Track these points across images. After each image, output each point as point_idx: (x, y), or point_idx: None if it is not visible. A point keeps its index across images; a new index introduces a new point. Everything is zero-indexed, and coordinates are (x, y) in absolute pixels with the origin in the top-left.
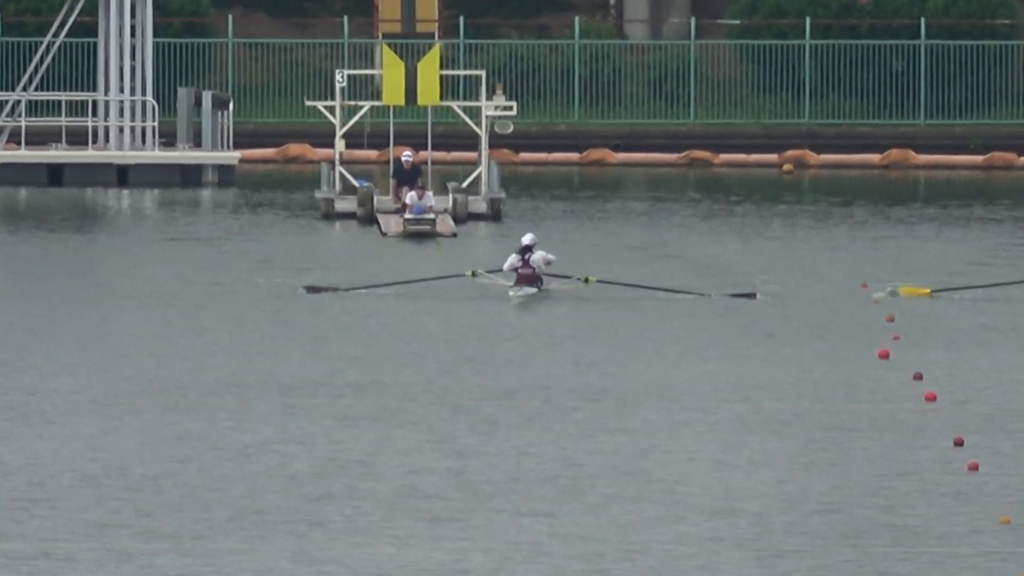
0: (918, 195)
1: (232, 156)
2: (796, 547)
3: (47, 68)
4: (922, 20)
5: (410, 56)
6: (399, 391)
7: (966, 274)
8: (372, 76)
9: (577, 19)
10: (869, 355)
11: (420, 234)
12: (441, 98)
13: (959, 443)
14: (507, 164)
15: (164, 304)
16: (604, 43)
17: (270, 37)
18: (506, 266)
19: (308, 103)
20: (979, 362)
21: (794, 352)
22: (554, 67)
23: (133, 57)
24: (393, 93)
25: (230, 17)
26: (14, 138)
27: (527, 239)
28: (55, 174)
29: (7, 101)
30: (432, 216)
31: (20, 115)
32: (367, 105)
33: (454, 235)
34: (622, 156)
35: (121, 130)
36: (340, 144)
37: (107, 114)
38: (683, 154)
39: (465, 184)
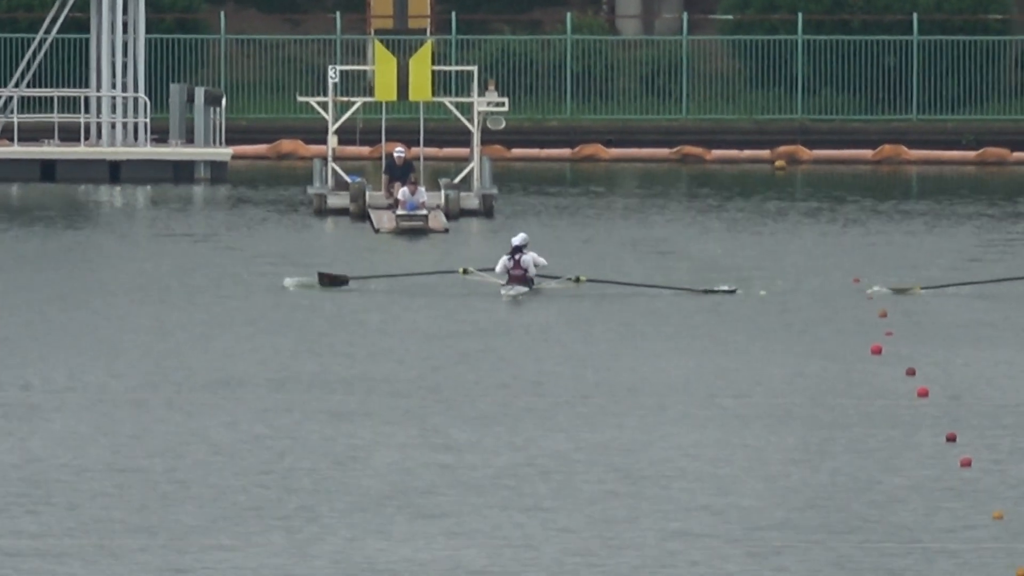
0: (910, 191)
1: (224, 152)
2: (788, 542)
3: (39, 64)
4: (914, 15)
5: (402, 52)
6: (391, 387)
7: (959, 269)
8: (364, 72)
9: (569, 15)
10: (862, 350)
11: (412, 230)
12: (433, 94)
13: (952, 438)
14: (499, 160)
15: (156, 300)
16: (596, 39)
17: (262, 33)
18: (498, 268)
19: (300, 99)
20: (972, 357)
21: (787, 348)
22: (546, 63)
23: (125, 53)
24: (385, 89)
25: (222, 13)
26: (7, 134)
27: (518, 239)
28: (48, 170)
29: (0, 97)
30: (424, 212)
31: (13, 111)
32: (359, 101)
33: (446, 231)
34: (614, 152)
35: (113, 126)
36: (332, 140)
37: (99, 110)
38: (675, 150)
39: (457, 180)
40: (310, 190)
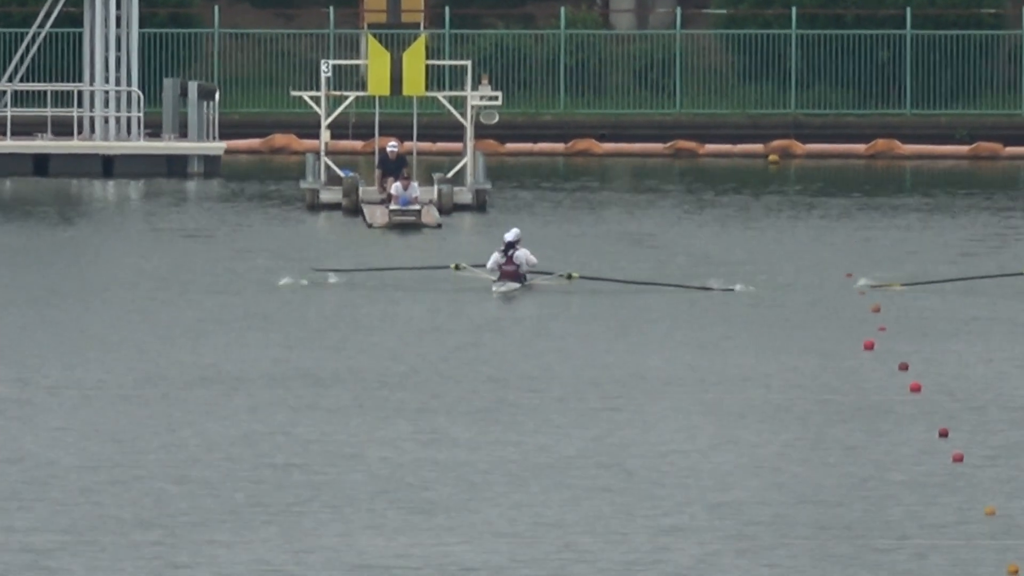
0: (904, 185)
1: (218, 146)
2: (781, 537)
3: (33, 58)
4: (907, 10)
5: (395, 46)
6: (384, 382)
7: (953, 263)
8: (357, 66)
9: (563, 9)
10: (854, 346)
11: (405, 225)
12: (426, 88)
13: (944, 434)
14: (492, 154)
15: (148, 295)
16: (590, 33)
17: (256, 27)
18: (489, 264)
19: (294, 93)
20: (964, 353)
21: (779, 343)
22: (540, 57)
23: (119, 47)
24: (378, 83)
25: (216, 7)
26: None
27: (511, 235)
28: (41, 164)
29: None
30: (417, 207)
31: (6, 105)
32: (352, 95)
33: (439, 226)
34: (607, 146)
35: (107, 120)
36: (325, 134)
37: (93, 104)
38: (669, 144)
39: (450, 175)
40: (303, 184)
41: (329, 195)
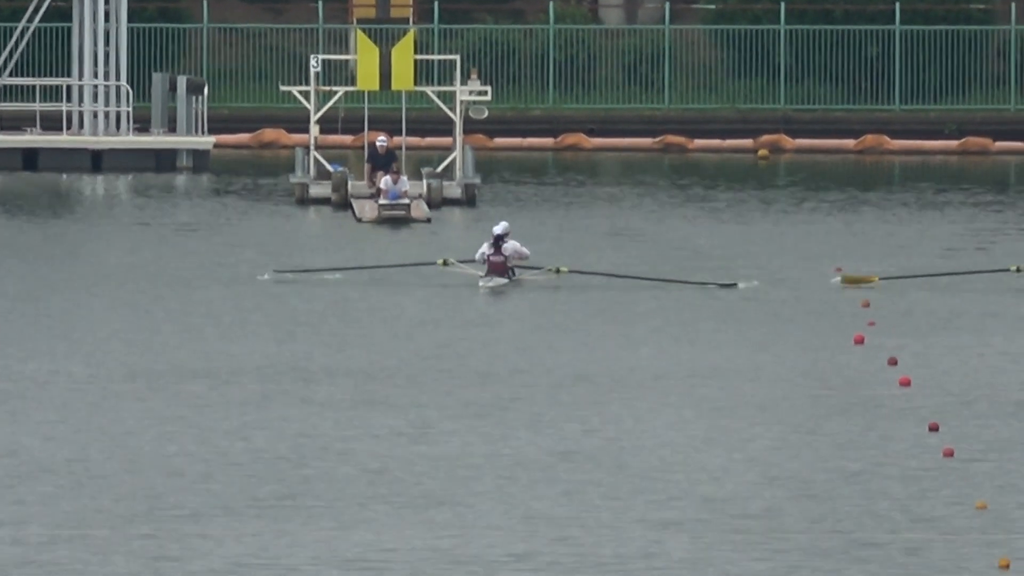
0: (893, 180)
1: (207, 141)
2: (771, 532)
3: (21, 53)
4: (896, 5)
5: (384, 41)
6: (374, 376)
7: (943, 258)
8: (346, 61)
9: (552, 4)
10: (844, 340)
11: (394, 219)
12: (415, 83)
13: (934, 428)
14: (482, 149)
15: (137, 289)
16: (579, 28)
17: (244, 22)
18: (477, 255)
19: (283, 88)
20: (954, 347)
21: (769, 337)
22: (529, 52)
23: (107, 42)
24: (367, 78)
25: (204, 2)
26: None
27: (499, 228)
28: (29, 159)
29: None
30: (407, 201)
31: None
32: (341, 90)
33: (429, 220)
34: (597, 141)
35: (95, 115)
36: (315, 129)
37: (81, 99)
38: (658, 139)
39: (440, 169)
40: (292, 179)
41: (318, 189)
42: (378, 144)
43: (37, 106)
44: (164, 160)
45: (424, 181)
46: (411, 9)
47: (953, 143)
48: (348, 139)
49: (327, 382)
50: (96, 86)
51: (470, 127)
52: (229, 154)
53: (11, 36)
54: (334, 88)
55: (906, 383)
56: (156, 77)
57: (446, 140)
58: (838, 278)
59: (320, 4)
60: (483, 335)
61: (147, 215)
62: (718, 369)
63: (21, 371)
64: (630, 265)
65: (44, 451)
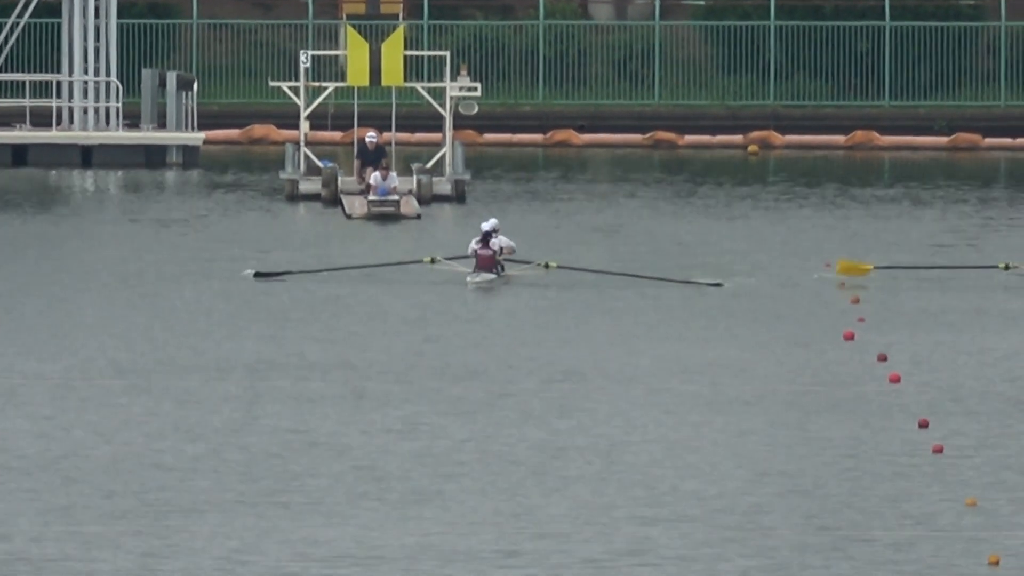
0: (883, 176)
1: (196, 137)
2: (760, 528)
3: (11, 49)
4: (886, 1)
5: (374, 37)
6: (362, 373)
7: (933, 254)
8: (336, 57)
9: (541, 0)
10: (834, 336)
11: (384, 215)
12: (405, 79)
13: (924, 425)
14: (471, 145)
15: (127, 285)
16: (569, 24)
17: (234, 18)
18: (469, 251)
19: (272, 84)
20: (943, 344)
21: (758, 334)
22: (518, 48)
23: (97, 38)
24: (357, 74)
25: None
26: None
27: (488, 225)
28: (19, 155)
29: None
30: (396, 197)
31: None
32: (331, 86)
33: (418, 216)
34: (586, 137)
35: (85, 111)
36: (304, 125)
37: (71, 95)
38: (648, 135)
39: (429, 165)
40: (282, 175)
41: (308, 185)
42: (368, 140)
43: (27, 102)
44: (154, 156)
45: (414, 177)
46: (401, 5)
47: (943, 139)
48: (338, 135)
49: (316, 378)
50: (86, 82)
51: (460, 123)
52: (219, 150)
53: (1, 32)
54: (324, 84)
55: (896, 380)
56: (146, 73)
57: (436, 136)
58: (830, 270)
59: (310, 0)
60: (472, 331)
61: (137, 211)
62: (707, 365)
63: (9, 365)
64: (619, 261)
65: (32, 447)
